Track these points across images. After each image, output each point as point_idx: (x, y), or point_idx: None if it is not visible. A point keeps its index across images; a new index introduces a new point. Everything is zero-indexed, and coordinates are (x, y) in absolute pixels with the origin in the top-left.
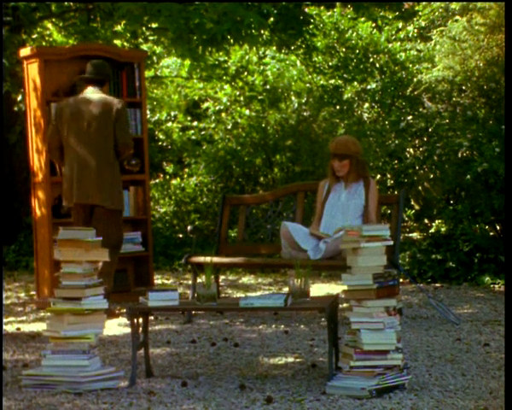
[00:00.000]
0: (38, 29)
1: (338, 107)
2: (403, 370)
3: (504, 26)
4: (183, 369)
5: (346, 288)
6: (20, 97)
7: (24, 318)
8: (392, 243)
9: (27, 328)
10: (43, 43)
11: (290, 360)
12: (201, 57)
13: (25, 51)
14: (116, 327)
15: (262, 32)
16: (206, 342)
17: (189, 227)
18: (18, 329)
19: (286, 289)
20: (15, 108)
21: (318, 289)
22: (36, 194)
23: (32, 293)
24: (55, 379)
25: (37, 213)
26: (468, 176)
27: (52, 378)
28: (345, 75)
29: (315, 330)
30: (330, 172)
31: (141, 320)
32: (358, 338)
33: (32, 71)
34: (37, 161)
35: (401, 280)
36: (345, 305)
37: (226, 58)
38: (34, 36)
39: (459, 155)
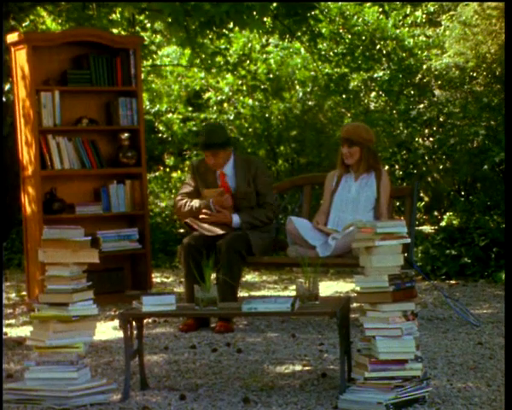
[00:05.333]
0: (31, 16)
1: (344, 96)
2: (422, 381)
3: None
4: (181, 379)
5: (358, 289)
6: (8, 87)
7: (13, 321)
8: (409, 240)
9: (15, 332)
10: None
11: (298, 368)
12: (201, 46)
13: (12, 37)
14: (110, 331)
15: (264, 19)
16: (206, 348)
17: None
18: (5, 333)
19: (292, 287)
20: (4, 99)
21: (326, 288)
22: (25, 189)
23: (24, 293)
24: (40, 394)
25: (27, 210)
26: (486, 166)
27: (36, 393)
28: (351, 64)
29: (324, 333)
30: (339, 161)
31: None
32: (373, 346)
33: (20, 58)
34: (27, 153)
35: None
36: (355, 305)
37: (228, 46)
38: (26, 23)
39: (471, 144)
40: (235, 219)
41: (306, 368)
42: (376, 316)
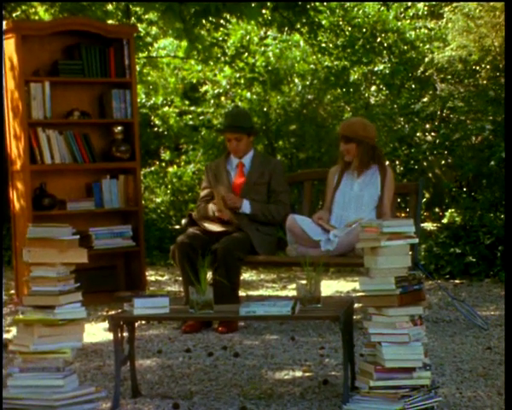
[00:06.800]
0: (23, 6)
1: (344, 89)
2: (431, 390)
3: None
4: (175, 386)
5: (362, 292)
6: None
7: None
8: (417, 240)
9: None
10: None
11: (298, 374)
12: (198, 38)
13: None
14: (102, 333)
15: (263, 10)
16: (202, 352)
17: (183, 220)
18: None
19: (290, 286)
20: None
21: (327, 288)
22: (14, 184)
23: (12, 292)
24: (24, 402)
25: (15, 206)
26: (493, 162)
27: (20, 402)
28: (351, 57)
29: (324, 335)
30: (340, 156)
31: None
32: (379, 353)
33: (9, 48)
34: (15, 147)
35: None
36: (356, 305)
37: (225, 38)
38: (17, 13)
39: (475, 138)
40: (245, 204)
41: (307, 374)
42: (382, 321)
